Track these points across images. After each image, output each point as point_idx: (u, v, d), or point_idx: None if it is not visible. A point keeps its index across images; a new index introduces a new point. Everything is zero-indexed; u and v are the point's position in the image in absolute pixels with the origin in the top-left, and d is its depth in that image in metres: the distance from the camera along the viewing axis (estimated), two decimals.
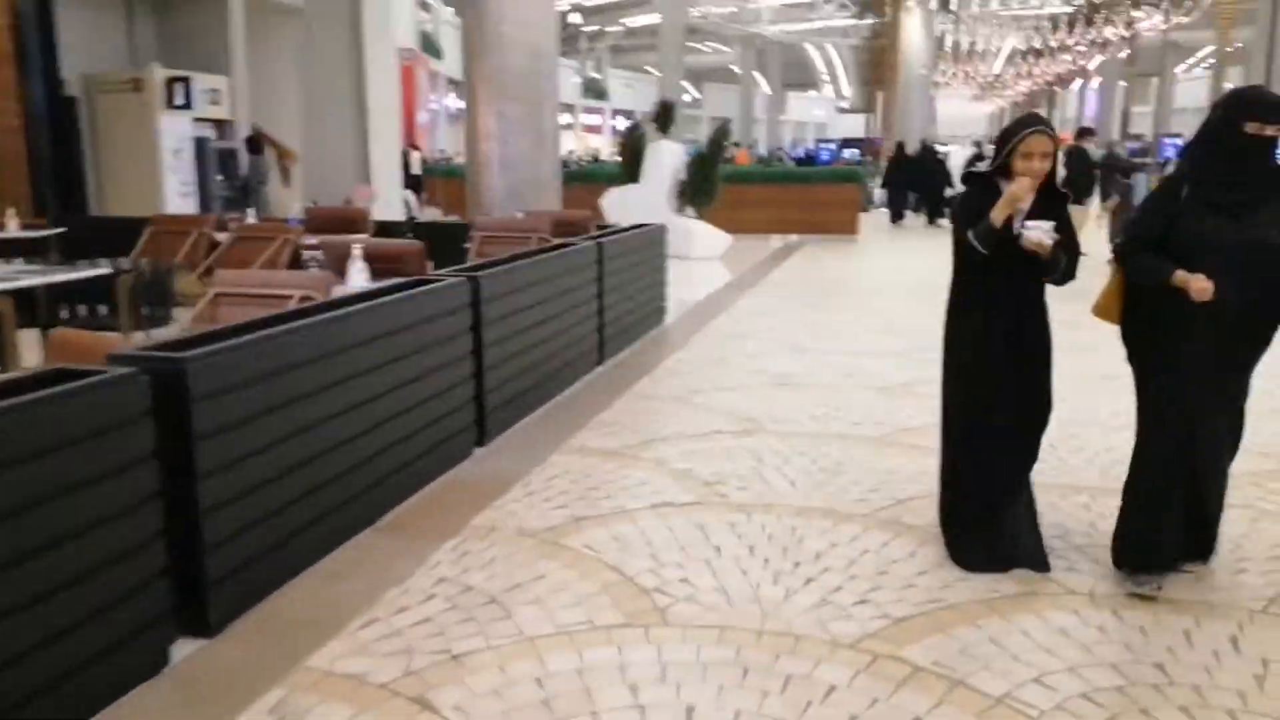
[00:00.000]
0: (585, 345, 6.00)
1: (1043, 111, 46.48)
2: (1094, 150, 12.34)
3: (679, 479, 4.16)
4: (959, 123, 61.21)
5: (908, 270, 11.50)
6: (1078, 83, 43.46)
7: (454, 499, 3.93)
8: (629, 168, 12.31)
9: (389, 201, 11.89)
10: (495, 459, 4.45)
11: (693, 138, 19.75)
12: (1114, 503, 3.25)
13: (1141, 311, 3.07)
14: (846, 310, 8.89)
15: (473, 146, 9.24)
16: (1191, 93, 43.94)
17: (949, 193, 16.11)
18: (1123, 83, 37.06)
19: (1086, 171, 11.10)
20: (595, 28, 52.49)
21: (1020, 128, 3.05)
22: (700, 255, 11.55)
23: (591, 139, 52.10)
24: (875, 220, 18.65)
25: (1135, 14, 24.27)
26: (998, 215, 3.01)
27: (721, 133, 12.52)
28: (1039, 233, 2.95)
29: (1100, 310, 3.21)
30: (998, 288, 3.15)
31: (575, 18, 40.34)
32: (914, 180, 17.82)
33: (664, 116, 12.35)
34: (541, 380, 5.27)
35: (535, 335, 5.13)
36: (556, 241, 6.25)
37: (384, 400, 3.64)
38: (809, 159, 30.26)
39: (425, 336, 3.96)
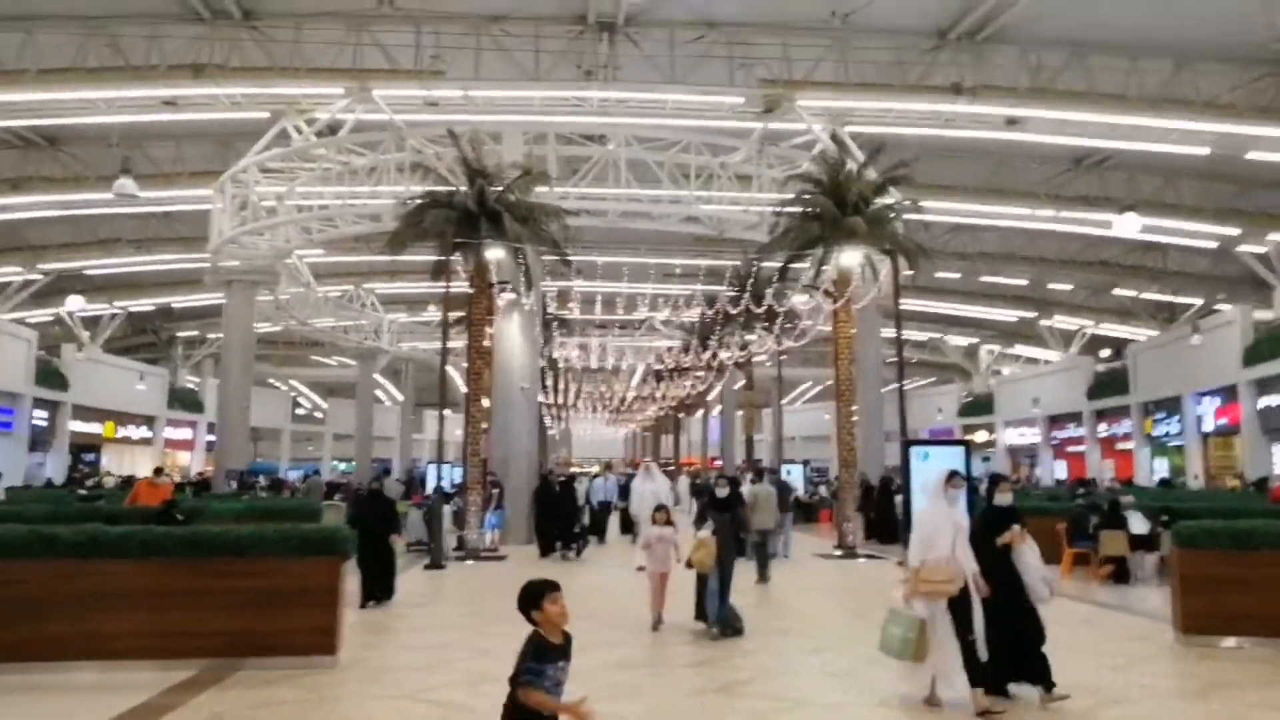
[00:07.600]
0: None
1: (669, 437, 46.71)
2: None
3: None
4: (593, 446, 61.07)
5: None
6: (700, 411, 44.14)
7: None
8: None
9: None
10: None
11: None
12: None
13: None
14: None
15: None
16: (808, 421, 46.68)
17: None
18: (740, 412, 37.44)
19: None
20: (194, 333, 45.90)
21: None
22: None
23: (180, 455, 43.82)
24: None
25: (748, 336, 23.40)
26: None
27: None
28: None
29: None
30: None
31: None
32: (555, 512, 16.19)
33: None
34: None
35: None
36: None
37: None
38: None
39: None
